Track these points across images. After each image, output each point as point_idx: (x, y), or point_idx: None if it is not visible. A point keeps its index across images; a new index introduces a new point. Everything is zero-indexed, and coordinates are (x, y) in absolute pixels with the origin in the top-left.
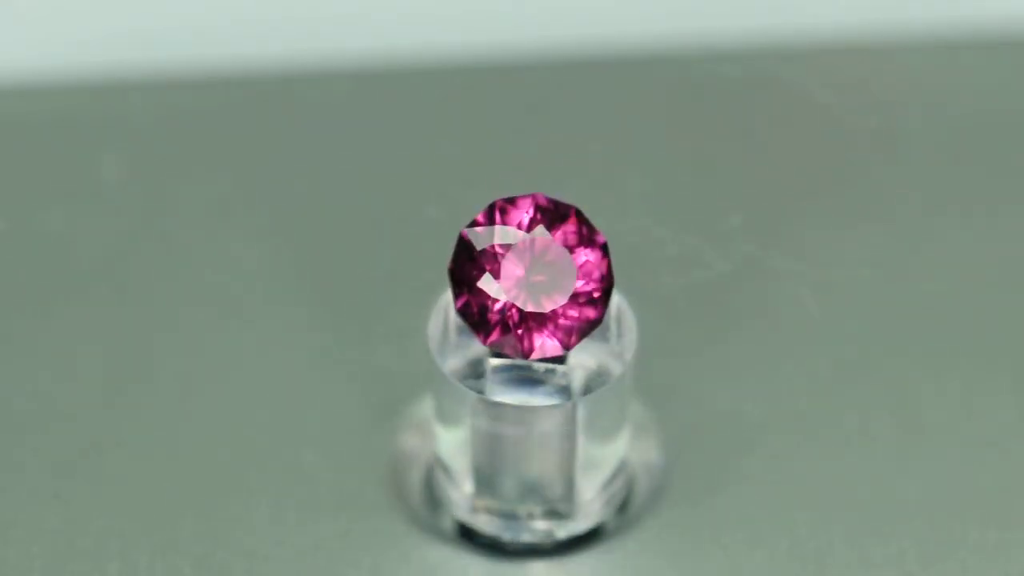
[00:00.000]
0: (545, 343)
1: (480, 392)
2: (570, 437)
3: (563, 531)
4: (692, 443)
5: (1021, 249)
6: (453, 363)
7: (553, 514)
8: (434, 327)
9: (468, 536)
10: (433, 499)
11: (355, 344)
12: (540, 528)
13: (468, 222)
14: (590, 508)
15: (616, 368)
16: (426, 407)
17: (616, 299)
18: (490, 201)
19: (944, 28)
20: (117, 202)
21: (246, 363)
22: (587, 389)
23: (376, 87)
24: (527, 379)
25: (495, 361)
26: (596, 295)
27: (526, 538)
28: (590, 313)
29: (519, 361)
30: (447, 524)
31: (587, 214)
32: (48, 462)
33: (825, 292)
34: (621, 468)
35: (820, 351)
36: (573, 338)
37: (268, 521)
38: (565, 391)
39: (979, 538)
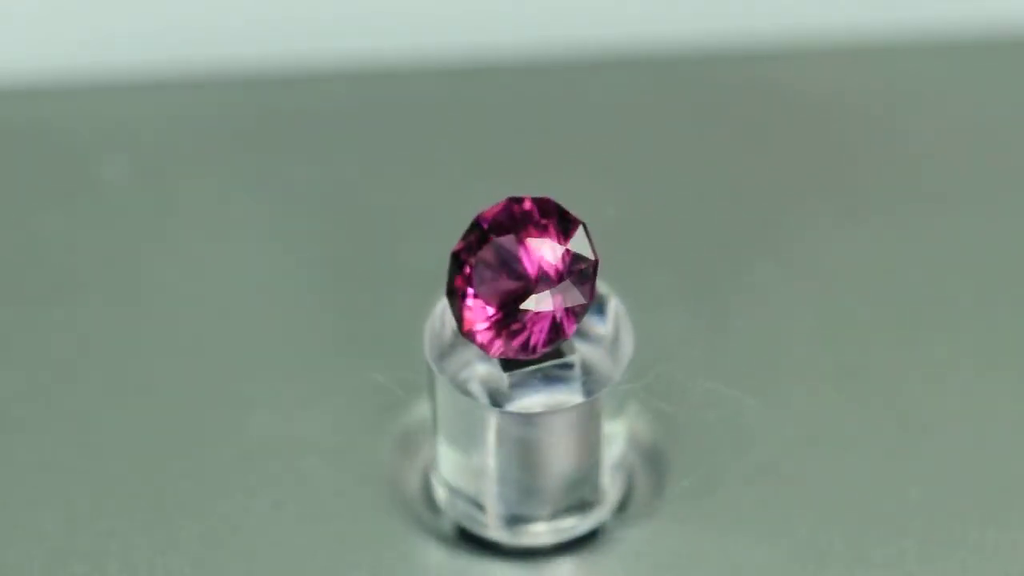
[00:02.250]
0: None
1: (496, 404)
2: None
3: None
4: (692, 443)
5: (1021, 249)
6: (449, 367)
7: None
8: (430, 331)
9: (467, 537)
10: (432, 500)
11: (355, 345)
12: (474, 517)
13: (464, 225)
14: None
15: (606, 379)
16: (425, 408)
17: (616, 309)
18: (488, 203)
19: (943, 28)
20: (117, 203)
21: (246, 364)
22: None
23: (376, 87)
24: (542, 380)
25: (508, 378)
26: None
27: (525, 540)
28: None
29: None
30: (446, 525)
31: (585, 214)
32: (48, 462)
33: (824, 292)
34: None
35: (821, 350)
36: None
37: (268, 521)
38: (578, 384)
39: (979, 538)
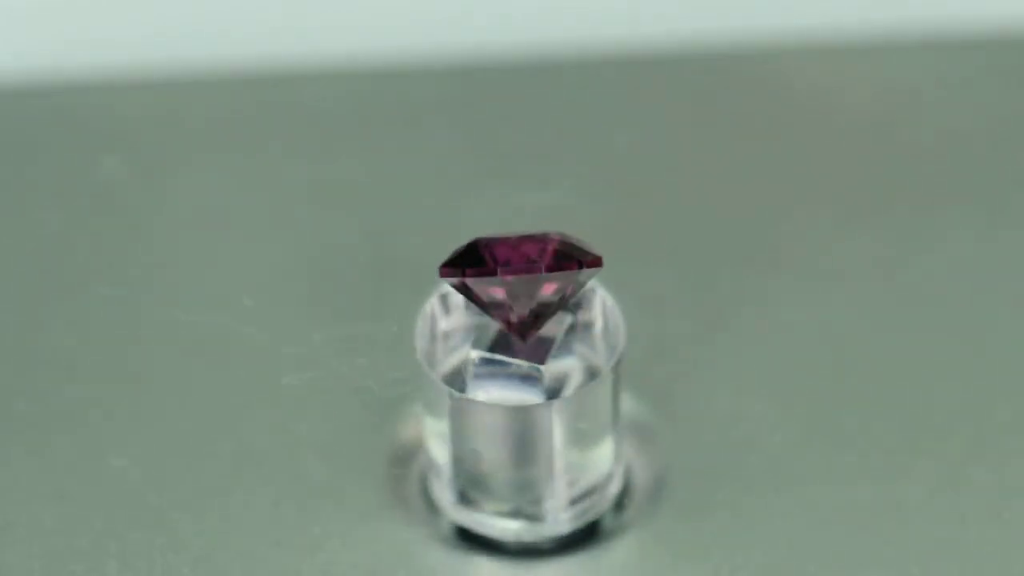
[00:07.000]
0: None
1: (461, 390)
2: (545, 439)
3: (530, 535)
4: (692, 443)
5: (1020, 249)
6: (441, 365)
7: (520, 515)
8: (421, 328)
9: (466, 536)
10: (431, 500)
11: (354, 344)
12: (507, 528)
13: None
14: (563, 515)
15: (598, 371)
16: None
17: (603, 299)
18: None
19: (943, 28)
20: (116, 201)
21: (245, 363)
22: (563, 391)
23: (376, 87)
24: (508, 376)
25: (475, 354)
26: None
27: (523, 538)
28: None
29: (500, 357)
30: (445, 525)
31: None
32: (48, 462)
33: (824, 291)
34: (604, 479)
35: (820, 351)
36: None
37: (268, 521)
38: (540, 389)
39: (979, 537)
